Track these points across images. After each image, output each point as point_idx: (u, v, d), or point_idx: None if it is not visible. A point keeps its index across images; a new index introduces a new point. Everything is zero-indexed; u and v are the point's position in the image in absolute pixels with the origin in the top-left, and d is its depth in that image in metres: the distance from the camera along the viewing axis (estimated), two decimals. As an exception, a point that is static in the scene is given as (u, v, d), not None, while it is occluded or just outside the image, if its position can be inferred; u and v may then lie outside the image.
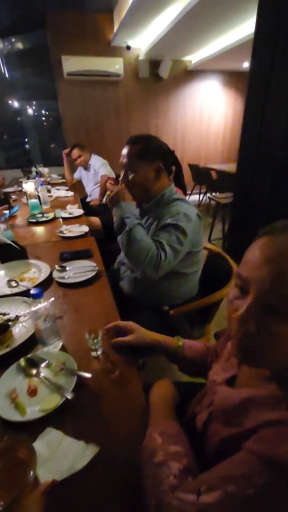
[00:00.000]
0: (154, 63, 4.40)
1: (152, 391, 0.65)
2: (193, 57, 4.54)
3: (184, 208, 1.05)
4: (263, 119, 2.19)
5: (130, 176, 1.08)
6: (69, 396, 0.62)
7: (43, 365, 0.71)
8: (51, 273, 1.18)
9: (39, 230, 1.82)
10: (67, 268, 1.21)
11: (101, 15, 3.99)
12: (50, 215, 2.00)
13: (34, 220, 1.95)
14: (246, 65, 4.51)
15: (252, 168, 2.36)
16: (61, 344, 0.80)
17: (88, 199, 3.15)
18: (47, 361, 0.72)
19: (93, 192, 3.07)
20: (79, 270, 1.19)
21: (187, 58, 4.59)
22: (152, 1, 2.95)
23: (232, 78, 5.01)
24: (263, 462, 0.35)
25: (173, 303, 1.17)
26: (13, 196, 2.73)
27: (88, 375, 0.67)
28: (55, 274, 1.16)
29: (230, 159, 5.35)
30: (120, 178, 1.11)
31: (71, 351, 0.78)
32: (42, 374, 0.69)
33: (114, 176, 2.27)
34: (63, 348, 0.79)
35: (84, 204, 2.78)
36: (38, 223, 1.92)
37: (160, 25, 3.50)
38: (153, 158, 1.06)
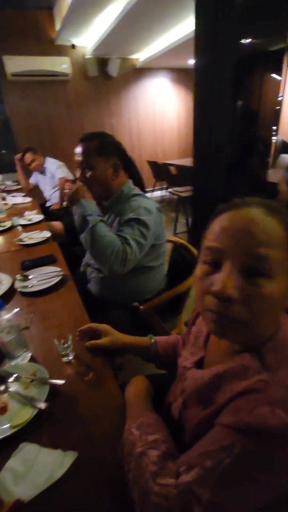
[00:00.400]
0: (102, 62, 4.36)
1: (127, 388, 0.65)
2: (141, 55, 4.59)
3: (144, 202, 1.06)
4: (211, 115, 2.29)
5: (88, 174, 1.06)
6: (42, 406, 0.60)
7: (11, 379, 0.68)
8: (13, 284, 1.12)
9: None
10: (30, 277, 1.16)
11: (41, 12, 3.85)
12: (7, 224, 1.90)
13: (-11, 231, 1.83)
14: (191, 62, 4.67)
15: (206, 162, 2.46)
16: (29, 355, 0.77)
17: (48, 204, 3.04)
18: (15, 375, 0.69)
19: (52, 197, 2.96)
20: (43, 277, 1.14)
21: (134, 56, 4.62)
22: (92, -2, 2.91)
23: (180, 75, 5.16)
24: (236, 432, 0.35)
25: (143, 298, 1.18)
26: None
27: (60, 381, 0.66)
28: (18, 284, 1.11)
29: (187, 154, 5.51)
30: (78, 176, 1.09)
31: (42, 361, 0.75)
32: (11, 389, 0.65)
33: (72, 178, 2.22)
34: (32, 359, 0.76)
35: (45, 210, 2.68)
36: (-6, 234, 1.81)
37: (104, 23, 3.47)
38: (110, 154, 1.07)
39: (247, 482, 0.34)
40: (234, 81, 2.15)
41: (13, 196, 2.84)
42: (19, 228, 1.86)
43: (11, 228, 1.87)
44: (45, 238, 1.58)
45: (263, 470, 0.34)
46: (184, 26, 3.52)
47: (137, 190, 1.14)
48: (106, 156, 1.05)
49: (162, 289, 1.24)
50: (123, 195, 1.11)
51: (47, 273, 1.17)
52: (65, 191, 1.08)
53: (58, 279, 1.11)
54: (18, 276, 1.15)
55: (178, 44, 3.76)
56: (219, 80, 2.17)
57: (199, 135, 2.47)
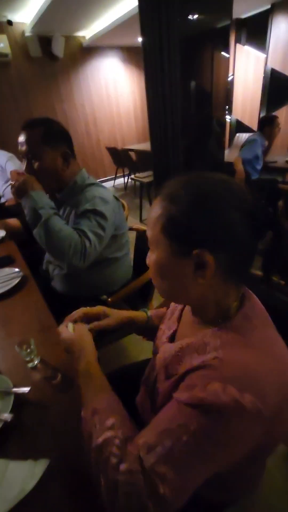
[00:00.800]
0: (45, 40, 4.03)
1: (73, 359, 0.56)
2: (87, 33, 4.32)
3: (99, 192, 1.02)
4: (164, 96, 2.24)
5: (35, 164, 0.98)
6: (7, 418, 0.57)
7: None
8: None
9: None
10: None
11: None
12: None
13: None
14: (140, 39, 4.50)
15: (164, 145, 2.44)
16: (-10, 366, 0.72)
17: (1, 200, 2.82)
18: (-25, 390, 0.64)
19: (5, 192, 2.75)
20: (0, 280, 1.07)
21: (80, 33, 4.34)
22: None
23: (131, 54, 4.98)
24: (192, 408, 0.37)
25: (110, 290, 1.16)
26: None
27: (25, 389, 0.62)
28: None
29: (146, 138, 5.44)
30: (24, 168, 1.01)
31: (5, 370, 0.71)
32: None
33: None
34: (-6, 370, 0.71)
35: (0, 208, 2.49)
36: None
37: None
38: (57, 142, 0.99)
39: (205, 457, 0.36)
40: (183, 59, 2.11)
41: None
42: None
43: None
44: (0, 238, 1.47)
45: (218, 445, 0.36)
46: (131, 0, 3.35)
47: (91, 179, 1.09)
48: (53, 144, 0.98)
49: (129, 279, 1.23)
50: (77, 185, 1.05)
51: (5, 275, 1.10)
52: (11, 182, 0.99)
53: (17, 280, 1.05)
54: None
55: (125, 20, 3.59)
56: (168, 60, 2.12)
57: (154, 118, 2.43)
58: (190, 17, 2.14)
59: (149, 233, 0.47)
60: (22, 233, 1.95)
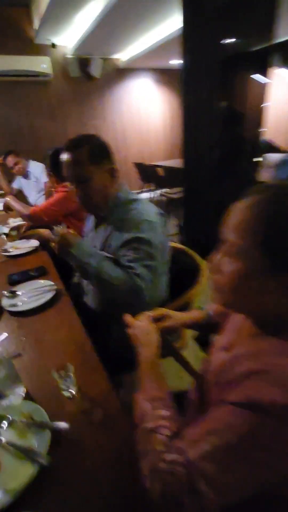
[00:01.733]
0: (84, 62, 4.25)
1: (139, 347, 0.60)
2: (123, 55, 4.51)
3: (146, 211, 0.94)
4: (199, 115, 2.23)
5: (85, 186, 0.95)
6: (44, 462, 0.49)
7: (3, 425, 0.56)
8: (-1, 302, 0.99)
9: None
10: (19, 293, 1.03)
11: (17, 9, 3.69)
12: (-9, 233, 1.75)
13: None
14: (173, 62, 4.65)
15: (196, 163, 2.41)
16: (23, 390, 0.65)
17: (33, 210, 2.88)
18: (8, 419, 0.57)
19: (37, 202, 2.81)
20: (34, 292, 1.03)
21: (117, 56, 4.53)
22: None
23: (164, 75, 5.12)
24: (245, 408, 0.36)
25: (147, 310, 1.08)
26: None
27: (64, 425, 0.55)
28: (5, 302, 0.98)
29: (174, 155, 5.48)
30: (77, 195, 0.97)
31: (38, 397, 0.64)
32: (3, 439, 0.54)
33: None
34: (27, 396, 0.65)
35: (30, 216, 2.53)
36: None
37: (84, 21, 3.36)
38: (103, 158, 0.95)
39: (251, 460, 0.35)
40: (220, 81, 2.11)
41: (-5, 203, 2.67)
42: (4, 236, 1.72)
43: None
44: (33, 248, 1.46)
45: (266, 450, 0.34)
46: (167, 25, 3.47)
47: (134, 194, 1.04)
48: (99, 162, 0.94)
49: (166, 300, 1.15)
50: (121, 201, 1.00)
51: (39, 288, 1.05)
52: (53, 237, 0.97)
53: (52, 294, 1.00)
54: (5, 293, 1.02)
55: (161, 44, 3.72)
56: (206, 80, 2.12)
57: (187, 136, 2.41)
58: (228, 40, 2.15)
59: (232, 239, 0.42)
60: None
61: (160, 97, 5.29)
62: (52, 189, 2.06)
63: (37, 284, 1.09)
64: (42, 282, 1.09)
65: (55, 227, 0.94)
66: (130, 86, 4.91)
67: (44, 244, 1.63)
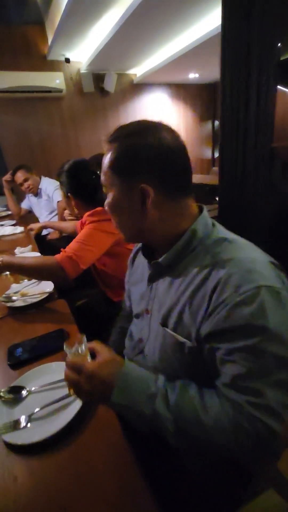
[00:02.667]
0: (98, 77, 4.08)
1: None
2: (138, 70, 4.34)
3: (258, 264, 0.50)
4: (241, 127, 1.90)
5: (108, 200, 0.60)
6: None
7: None
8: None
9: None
10: (26, 390, 0.64)
11: (32, 27, 3.57)
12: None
13: None
14: (192, 76, 4.46)
15: (234, 179, 2.06)
16: None
17: (44, 232, 2.55)
18: None
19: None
20: (52, 386, 0.63)
21: (132, 71, 4.37)
22: (85, 10, 2.62)
23: (180, 90, 4.94)
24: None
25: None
26: None
27: None
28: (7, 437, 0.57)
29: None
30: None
31: None
32: None
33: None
34: None
35: (39, 241, 2.18)
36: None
37: (98, 36, 3.20)
38: (137, 169, 0.56)
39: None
40: (273, 89, 1.79)
41: (1, 225, 2.35)
42: (8, 274, 1.35)
43: (-4, 274, 1.36)
44: (47, 294, 1.07)
45: None
46: (183, 39, 3.28)
47: (223, 231, 0.61)
48: (127, 174, 0.59)
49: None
50: (194, 243, 0.57)
51: (58, 385, 0.65)
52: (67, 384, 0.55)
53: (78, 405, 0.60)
54: (2, 393, 0.63)
55: (175, 58, 3.52)
56: (251, 93, 1.80)
57: (227, 152, 2.07)
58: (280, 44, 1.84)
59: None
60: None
61: (176, 112, 5.09)
62: (69, 217, 1.70)
63: (56, 368, 0.69)
64: (63, 365, 0.70)
65: (66, 349, 0.54)
66: (144, 101, 4.72)
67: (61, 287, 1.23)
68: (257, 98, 1.81)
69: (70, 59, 3.74)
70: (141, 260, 0.72)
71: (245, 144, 1.97)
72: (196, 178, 4.20)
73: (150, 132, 0.55)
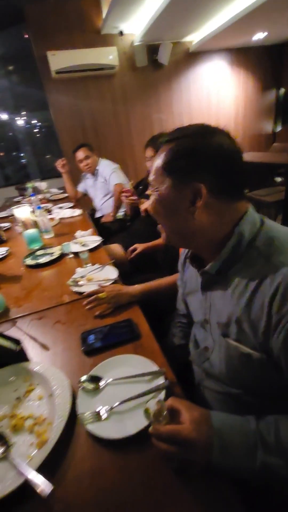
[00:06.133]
0: (151, 49, 3.84)
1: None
2: (195, 37, 3.96)
3: None
4: None
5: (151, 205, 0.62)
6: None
7: None
8: (74, 402, 0.62)
9: (43, 279, 1.25)
10: (104, 381, 0.64)
11: (87, 0, 3.45)
12: (56, 251, 1.44)
13: (33, 263, 1.38)
14: (256, 38, 3.92)
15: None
16: None
17: (97, 215, 2.59)
18: None
19: (103, 206, 2.51)
20: (128, 380, 0.62)
21: (188, 38, 4.01)
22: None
23: (240, 55, 4.41)
24: None
25: None
26: (5, 224, 2.18)
27: None
28: (85, 418, 0.58)
29: (248, 148, 4.74)
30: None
31: None
32: None
33: (129, 187, 1.72)
34: None
35: (94, 222, 2.22)
36: (39, 267, 1.36)
37: (154, 1, 2.93)
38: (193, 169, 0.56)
39: None
40: None
41: (60, 208, 2.44)
42: (71, 255, 1.39)
43: (61, 257, 1.41)
44: (112, 281, 1.07)
45: None
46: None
47: (275, 228, 0.56)
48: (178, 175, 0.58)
49: None
50: (253, 244, 0.54)
51: (136, 375, 0.64)
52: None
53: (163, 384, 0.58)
54: (84, 381, 0.64)
55: (239, 19, 3.08)
56: None
57: None
58: None
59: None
60: (126, 264, 1.57)
61: (234, 82, 4.59)
62: (126, 200, 1.67)
63: (130, 361, 0.68)
64: (138, 360, 0.68)
65: (147, 417, 0.51)
66: (201, 72, 4.34)
67: (117, 265, 1.22)
68: None
69: (124, 32, 3.57)
70: (192, 268, 0.69)
71: None
72: (250, 156, 3.79)
73: (209, 134, 0.55)
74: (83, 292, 1.00)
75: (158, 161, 0.57)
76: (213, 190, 0.53)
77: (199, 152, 0.53)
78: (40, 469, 0.49)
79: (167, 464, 0.48)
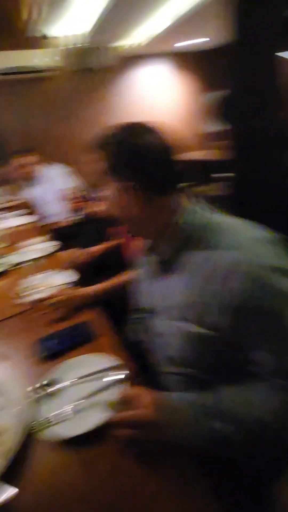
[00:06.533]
0: (85, 53, 3.81)
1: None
2: (130, 41, 4.02)
3: (258, 249, 0.54)
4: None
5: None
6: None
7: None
8: (33, 409, 0.60)
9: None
10: (61, 385, 0.63)
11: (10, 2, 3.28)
12: (5, 262, 1.36)
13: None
14: (192, 42, 4.08)
15: (254, 155, 1.95)
16: None
17: (51, 220, 2.48)
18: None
19: (55, 211, 2.41)
20: (87, 379, 0.62)
21: (123, 42, 4.06)
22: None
23: (179, 60, 4.60)
24: None
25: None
26: None
27: None
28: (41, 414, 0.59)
29: (187, 148, 4.98)
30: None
31: None
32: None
33: (77, 190, 1.70)
34: None
35: (51, 228, 2.12)
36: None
37: (84, 2, 2.91)
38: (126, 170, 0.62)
39: None
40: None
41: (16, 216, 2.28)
42: (17, 266, 1.33)
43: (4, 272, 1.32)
44: (69, 285, 1.04)
45: None
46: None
47: (210, 212, 0.63)
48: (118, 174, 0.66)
49: None
50: (197, 232, 0.60)
51: (93, 373, 0.64)
52: None
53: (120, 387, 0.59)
54: (40, 386, 0.63)
55: (179, 18, 3.18)
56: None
57: (243, 120, 1.94)
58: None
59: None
60: (86, 268, 1.53)
61: (174, 84, 4.78)
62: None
63: (89, 361, 0.68)
64: (95, 358, 0.69)
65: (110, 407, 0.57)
66: (136, 76, 4.45)
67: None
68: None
69: (51, 35, 3.47)
70: (146, 258, 0.74)
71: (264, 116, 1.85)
72: (189, 155, 4.05)
73: (137, 134, 0.60)
74: (35, 300, 0.97)
75: (97, 165, 0.61)
76: (145, 187, 0.58)
77: (128, 153, 0.59)
78: (3, 477, 0.48)
79: (130, 449, 0.50)
